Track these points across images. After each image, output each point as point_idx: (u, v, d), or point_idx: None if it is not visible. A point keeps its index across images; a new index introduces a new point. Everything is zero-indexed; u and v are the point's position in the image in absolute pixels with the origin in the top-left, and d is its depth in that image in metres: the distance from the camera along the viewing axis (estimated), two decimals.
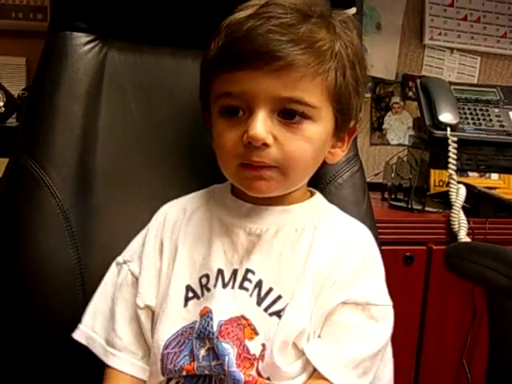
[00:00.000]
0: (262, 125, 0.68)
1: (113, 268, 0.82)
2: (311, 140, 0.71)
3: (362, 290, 0.73)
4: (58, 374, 0.86)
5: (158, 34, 0.96)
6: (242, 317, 0.72)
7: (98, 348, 0.79)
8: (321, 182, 0.89)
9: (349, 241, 0.76)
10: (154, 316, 0.78)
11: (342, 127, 0.76)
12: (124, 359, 0.78)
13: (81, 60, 0.92)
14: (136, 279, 0.79)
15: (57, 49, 0.92)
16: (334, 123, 0.74)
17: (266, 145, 0.69)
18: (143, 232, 0.83)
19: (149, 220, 0.83)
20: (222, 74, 0.70)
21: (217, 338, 0.71)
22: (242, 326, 0.71)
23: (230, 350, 0.70)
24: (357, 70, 0.74)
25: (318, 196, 0.82)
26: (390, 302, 0.76)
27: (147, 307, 0.78)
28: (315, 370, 0.71)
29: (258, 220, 0.76)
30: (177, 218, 0.81)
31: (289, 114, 0.70)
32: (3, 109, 1.58)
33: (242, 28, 0.69)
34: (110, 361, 0.78)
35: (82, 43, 0.92)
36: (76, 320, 0.82)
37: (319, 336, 0.72)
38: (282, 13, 0.69)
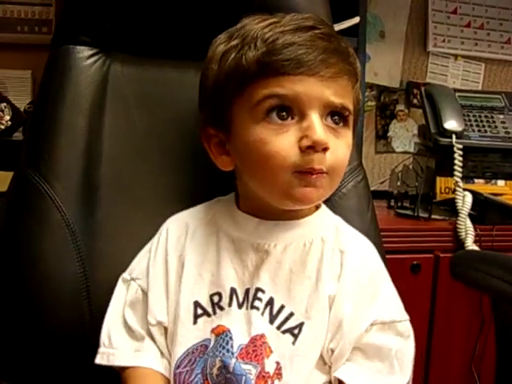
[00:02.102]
0: (321, 128, 0.68)
1: (120, 285, 0.81)
2: (349, 146, 0.74)
3: (385, 309, 0.72)
4: None
5: (161, 47, 0.96)
6: (263, 335, 0.71)
7: (122, 357, 0.77)
8: None
9: (358, 259, 0.75)
10: (166, 332, 0.77)
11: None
12: (152, 356, 0.77)
13: (84, 73, 0.92)
14: (145, 295, 0.79)
15: (60, 63, 0.92)
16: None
17: (325, 149, 0.69)
18: (147, 247, 0.82)
19: (153, 232, 0.83)
20: (268, 77, 0.68)
21: (236, 358, 0.70)
22: (264, 345, 0.71)
23: (249, 371, 0.70)
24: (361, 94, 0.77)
25: (324, 208, 0.82)
26: (407, 316, 0.75)
27: (159, 323, 0.77)
28: None
29: (267, 235, 0.75)
30: (180, 234, 0.81)
31: (335, 119, 0.71)
32: (9, 123, 1.58)
33: (289, 35, 0.69)
34: (138, 361, 0.76)
35: (85, 57, 0.93)
36: (82, 333, 0.82)
37: (348, 360, 0.71)
38: (315, 23, 0.71)
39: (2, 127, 1.56)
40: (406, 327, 0.73)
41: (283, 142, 0.68)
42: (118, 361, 0.77)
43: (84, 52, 0.93)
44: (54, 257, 0.86)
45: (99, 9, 0.93)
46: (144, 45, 0.96)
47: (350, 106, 0.72)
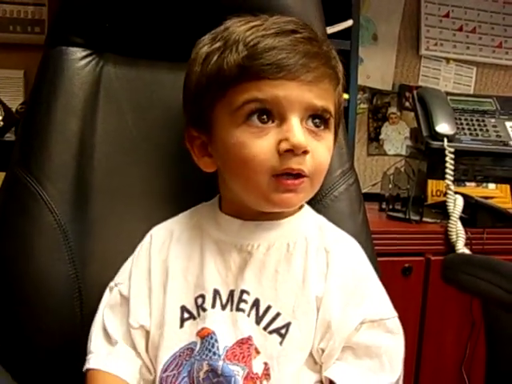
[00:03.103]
0: (301, 132, 0.68)
1: (106, 293, 0.81)
2: (330, 149, 0.74)
3: (373, 307, 0.72)
4: None
5: (154, 49, 0.96)
6: (249, 338, 0.71)
7: (94, 361, 0.77)
8: (316, 195, 0.89)
9: (344, 258, 0.75)
10: (148, 336, 0.77)
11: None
12: (121, 361, 0.76)
13: (77, 75, 0.92)
14: (125, 299, 0.79)
15: (53, 64, 0.92)
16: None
17: (305, 152, 0.69)
18: (132, 256, 0.82)
19: (145, 233, 0.83)
20: (249, 81, 0.69)
21: (223, 359, 0.70)
22: (250, 346, 0.71)
23: (237, 372, 0.70)
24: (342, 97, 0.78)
25: (307, 208, 0.82)
26: (396, 313, 0.75)
27: (142, 327, 0.77)
28: None
29: (249, 236, 0.76)
30: (164, 239, 0.81)
31: (316, 122, 0.71)
32: (1, 123, 1.58)
33: (270, 39, 0.69)
34: (105, 365, 0.76)
35: (78, 58, 0.92)
36: (73, 335, 0.81)
37: (338, 359, 0.71)
38: (297, 27, 0.71)
39: None
40: (395, 324, 0.73)
41: (262, 145, 0.69)
42: (90, 364, 0.77)
43: (77, 53, 0.93)
44: (45, 257, 0.86)
45: (93, 10, 0.93)
46: (137, 46, 0.96)
47: (332, 109, 0.73)
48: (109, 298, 0.80)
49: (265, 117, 0.69)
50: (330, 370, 0.70)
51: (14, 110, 1.67)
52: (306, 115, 0.70)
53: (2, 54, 1.85)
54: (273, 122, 0.69)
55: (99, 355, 0.77)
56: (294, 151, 0.68)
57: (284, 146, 0.68)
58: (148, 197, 0.91)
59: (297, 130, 0.68)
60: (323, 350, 0.71)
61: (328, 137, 0.73)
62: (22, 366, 0.86)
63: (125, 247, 0.84)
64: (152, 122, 0.94)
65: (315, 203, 0.85)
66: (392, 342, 0.72)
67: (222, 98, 0.71)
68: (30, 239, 0.86)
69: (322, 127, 0.72)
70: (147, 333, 0.77)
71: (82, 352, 0.79)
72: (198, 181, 0.89)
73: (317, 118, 0.71)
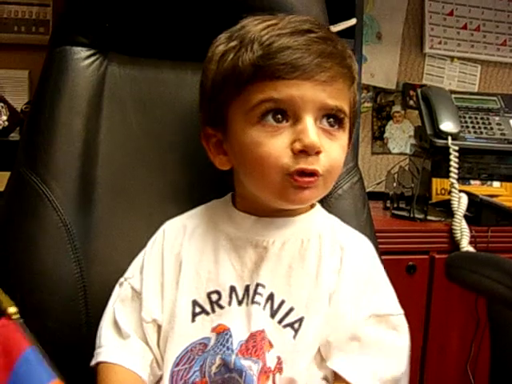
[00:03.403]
0: (314, 132, 0.69)
1: (116, 289, 0.81)
2: (344, 148, 0.75)
3: (381, 302, 0.74)
4: None
5: (158, 48, 0.96)
6: (263, 331, 0.72)
7: (105, 354, 0.76)
8: None
9: (357, 254, 0.77)
10: (159, 330, 0.77)
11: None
12: (133, 355, 0.76)
13: (81, 74, 0.92)
14: (136, 293, 0.79)
15: (57, 63, 0.92)
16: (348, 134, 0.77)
17: (318, 153, 0.70)
18: (143, 250, 0.82)
19: (150, 232, 0.83)
20: (264, 81, 0.69)
21: (236, 354, 0.71)
22: (264, 340, 0.71)
23: (249, 366, 0.70)
24: (358, 96, 0.78)
25: (319, 207, 0.83)
26: (402, 311, 0.76)
27: (154, 321, 0.77)
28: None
29: (264, 232, 0.76)
30: (177, 234, 0.81)
31: (331, 121, 0.72)
32: (6, 123, 1.58)
33: (285, 39, 0.69)
34: (117, 358, 0.76)
35: (82, 57, 0.93)
36: (78, 333, 0.82)
37: (343, 351, 0.71)
38: (312, 27, 0.72)
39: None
40: (401, 321, 0.74)
41: (276, 144, 0.69)
42: (101, 357, 0.76)
43: (81, 53, 0.93)
44: (50, 256, 0.86)
45: (97, 10, 0.93)
46: (141, 45, 0.96)
47: (346, 108, 0.73)
48: (119, 292, 0.80)
49: (279, 116, 0.70)
50: (334, 362, 0.71)
51: (18, 109, 1.67)
52: (320, 115, 0.71)
53: (7, 54, 1.85)
54: (287, 121, 0.70)
55: (110, 348, 0.77)
56: (308, 152, 0.69)
57: (297, 146, 0.69)
58: (152, 196, 0.92)
59: (310, 130, 0.69)
60: (329, 342, 0.72)
61: (342, 136, 0.74)
62: None
63: (129, 246, 0.84)
64: (156, 120, 0.94)
65: (320, 202, 0.85)
66: (397, 338, 0.73)
67: (237, 96, 0.72)
68: (35, 238, 0.87)
69: (337, 127, 0.73)
70: (159, 327, 0.77)
71: (87, 350, 0.79)
72: (203, 180, 0.90)
73: (331, 117, 0.72)
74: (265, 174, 0.71)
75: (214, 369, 0.71)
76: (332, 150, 0.72)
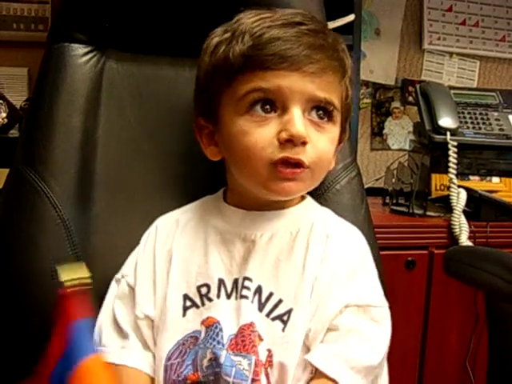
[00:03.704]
0: (301, 122, 0.69)
1: (112, 285, 0.82)
2: (333, 141, 0.75)
3: (361, 292, 0.73)
4: None
5: (156, 44, 0.96)
6: (251, 324, 0.72)
7: (109, 355, 0.76)
8: (319, 188, 0.89)
9: (342, 243, 0.77)
10: (154, 325, 0.77)
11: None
12: (136, 354, 0.76)
13: (79, 71, 0.92)
14: (132, 290, 0.79)
15: (55, 60, 0.92)
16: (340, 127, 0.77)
17: (304, 143, 0.70)
18: (138, 247, 0.83)
19: (148, 228, 0.84)
20: (254, 71, 0.70)
21: (226, 349, 0.71)
22: (253, 333, 0.71)
23: (238, 362, 0.70)
24: (351, 83, 0.78)
25: (309, 199, 0.83)
26: (386, 304, 0.76)
27: (147, 317, 0.77)
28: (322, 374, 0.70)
29: (252, 226, 0.77)
30: (169, 230, 0.82)
31: (320, 114, 0.72)
32: (6, 120, 1.59)
33: (275, 30, 0.70)
34: (123, 359, 0.76)
35: (80, 54, 0.93)
36: None
37: (321, 341, 0.71)
38: (303, 19, 0.72)
39: None
40: (383, 314, 0.74)
41: (263, 133, 0.70)
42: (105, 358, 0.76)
43: (79, 49, 0.93)
44: (49, 254, 0.86)
45: (95, 6, 0.93)
46: (139, 42, 0.96)
47: (336, 101, 0.73)
48: (117, 289, 0.81)
49: (268, 107, 0.71)
50: (311, 354, 0.70)
51: (18, 107, 1.68)
52: (308, 106, 0.71)
53: (6, 51, 1.85)
54: (275, 112, 0.71)
55: (113, 349, 0.77)
56: (293, 141, 0.69)
57: (283, 135, 0.69)
58: (150, 192, 0.92)
59: (297, 120, 0.69)
60: (310, 331, 0.71)
61: (332, 129, 0.74)
62: (27, 362, 0.87)
63: (128, 243, 0.84)
64: (154, 116, 0.94)
65: (317, 197, 0.85)
66: (375, 329, 0.72)
67: (227, 87, 0.73)
68: (34, 235, 0.87)
69: (326, 119, 0.73)
70: (153, 323, 0.77)
71: None
72: (201, 176, 0.90)
73: (320, 109, 0.72)
74: (251, 164, 0.71)
75: (205, 362, 0.71)
76: (319, 142, 0.72)
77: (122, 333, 0.78)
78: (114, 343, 0.78)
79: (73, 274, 0.60)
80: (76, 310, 0.58)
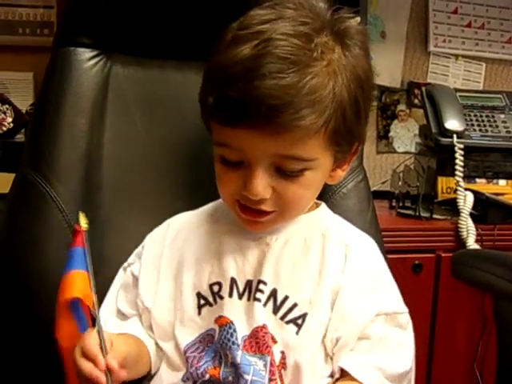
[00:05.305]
0: (260, 182, 0.68)
1: (120, 273, 0.83)
2: (309, 186, 0.72)
3: (387, 301, 0.75)
4: None
5: (162, 48, 0.97)
6: (264, 326, 0.72)
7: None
8: (326, 192, 0.90)
9: (362, 252, 0.77)
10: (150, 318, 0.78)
11: (343, 158, 0.76)
12: (137, 328, 0.78)
13: (85, 75, 0.92)
14: (136, 280, 0.80)
15: (61, 64, 0.93)
16: (333, 160, 0.73)
17: (260, 201, 0.70)
18: (145, 238, 0.84)
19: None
20: (221, 124, 0.68)
21: (241, 350, 0.72)
22: (266, 335, 0.72)
23: (254, 362, 0.71)
24: (359, 99, 0.70)
25: (323, 207, 0.83)
26: (407, 309, 0.77)
27: (146, 309, 0.78)
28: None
29: (267, 230, 0.77)
30: (181, 228, 0.82)
31: (289, 169, 0.69)
32: (12, 124, 1.59)
33: (239, 83, 0.64)
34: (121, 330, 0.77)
35: (87, 58, 0.93)
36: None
37: (352, 349, 0.73)
38: (279, 65, 0.64)
39: (5, 129, 1.57)
40: (407, 319, 0.76)
41: (231, 179, 0.71)
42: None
43: (85, 54, 0.93)
44: (55, 257, 0.86)
45: (100, 10, 0.93)
46: (145, 46, 0.97)
47: (308, 154, 0.68)
48: (123, 277, 0.82)
49: (235, 160, 0.70)
50: (343, 360, 0.72)
51: (23, 111, 1.68)
52: (274, 161, 0.68)
53: (12, 56, 1.86)
54: (244, 163, 0.69)
55: (110, 328, 0.76)
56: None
57: (242, 191, 0.69)
58: (156, 195, 0.92)
59: (254, 180, 0.68)
60: (337, 341, 0.72)
61: (307, 177, 0.70)
62: (33, 362, 0.87)
63: (135, 247, 0.84)
64: (160, 120, 0.94)
65: (324, 201, 0.85)
66: (403, 336, 0.75)
67: (210, 121, 0.73)
68: (40, 239, 0.87)
69: (296, 173, 0.69)
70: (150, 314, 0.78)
71: None
72: (207, 180, 0.89)
73: (288, 167, 0.69)
74: (224, 198, 0.76)
75: (225, 361, 0.72)
76: (288, 191, 0.70)
77: (123, 316, 0.80)
78: (114, 324, 0.79)
79: (84, 222, 0.72)
80: (81, 242, 0.70)
